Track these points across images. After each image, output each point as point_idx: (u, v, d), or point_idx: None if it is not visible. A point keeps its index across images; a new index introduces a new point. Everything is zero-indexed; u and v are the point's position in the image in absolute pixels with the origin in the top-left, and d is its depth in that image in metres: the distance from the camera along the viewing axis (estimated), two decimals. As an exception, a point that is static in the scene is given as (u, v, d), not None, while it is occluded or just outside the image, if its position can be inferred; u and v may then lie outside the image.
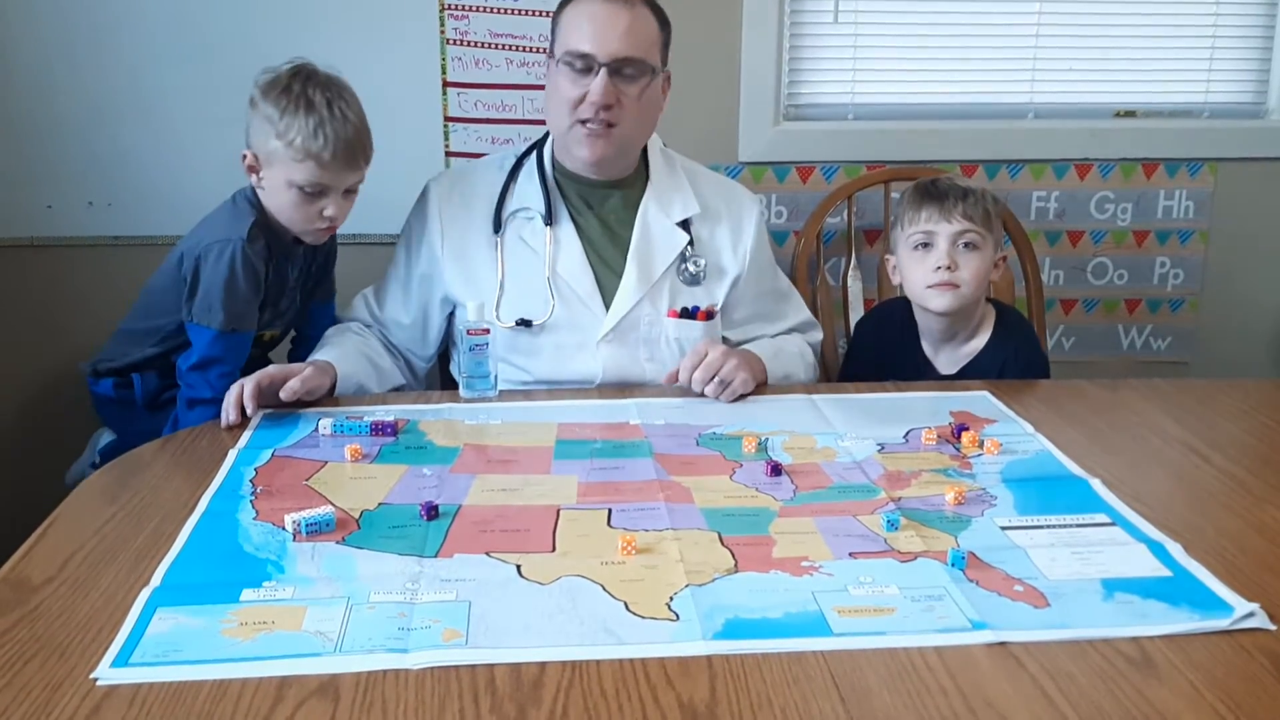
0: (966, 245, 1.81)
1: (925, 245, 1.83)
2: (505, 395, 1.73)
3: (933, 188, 1.85)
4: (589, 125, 1.72)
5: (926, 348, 1.92)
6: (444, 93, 2.27)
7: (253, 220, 1.71)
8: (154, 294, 1.80)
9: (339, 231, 1.82)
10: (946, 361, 1.90)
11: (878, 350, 1.96)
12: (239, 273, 1.69)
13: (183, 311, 1.72)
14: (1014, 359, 1.86)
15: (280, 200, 1.71)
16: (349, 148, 1.69)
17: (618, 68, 1.69)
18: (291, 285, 1.84)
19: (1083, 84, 2.52)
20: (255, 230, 1.71)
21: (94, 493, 1.38)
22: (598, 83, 1.68)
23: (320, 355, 1.75)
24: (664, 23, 1.77)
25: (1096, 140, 2.50)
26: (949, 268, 1.79)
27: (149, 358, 1.80)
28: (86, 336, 1.98)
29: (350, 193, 1.75)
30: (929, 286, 1.82)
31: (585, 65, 1.70)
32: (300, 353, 1.90)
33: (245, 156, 1.71)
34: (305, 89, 1.67)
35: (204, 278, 1.69)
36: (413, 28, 2.24)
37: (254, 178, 1.72)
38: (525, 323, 1.81)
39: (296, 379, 1.59)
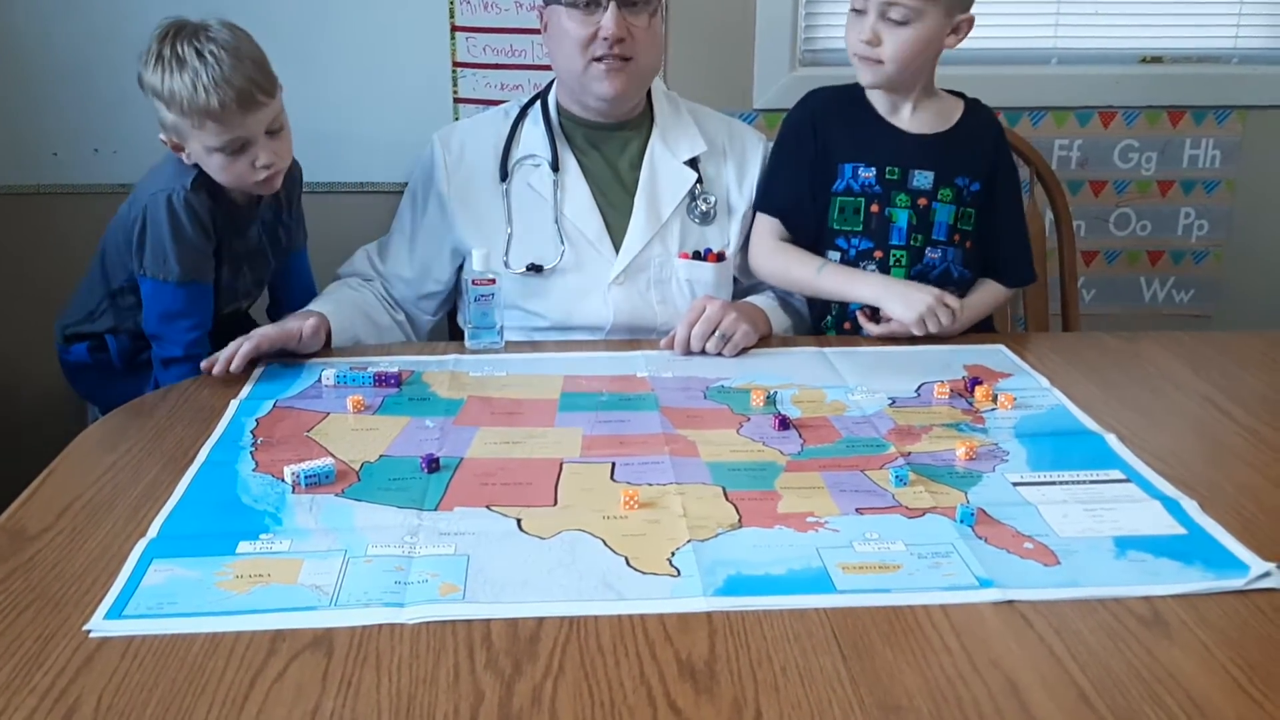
0: (894, 19, 1.64)
1: (859, 10, 1.69)
2: (513, 345, 1.71)
3: None
4: (606, 61, 1.71)
5: (882, 110, 1.79)
6: (452, 37, 2.23)
7: (199, 171, 1.63)
8: (109, 247, 1.73)
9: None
10: (918, 121, 1.78)
11: (824, 126, 1.80)
12: (184, 221, 1.61)
13: (133, 265, 1.65)
14: (1002, 149, 1.82)
15: (211, 167, 1.62)
16: (239, 91, 1.55)
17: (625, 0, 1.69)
18: (255, 247, 1.76)
19: (1108, 28, 2.43)
20: (200, 180, 1.63)
21: (94, 442, 1.37)
22: (609, 16, 1.69)
23: (314, 308, 1.71)
24: None
25: (1121, 87, 2.43)
26: (869, 42, 1.67)
27: (121, 326, 1.73)
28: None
29: (275, 131, 1.63)
30: (854, 55, 1.71)
31: (592, 1, 1.69)
32: (278, 313, 1.84)
33: (164, 141, 1.64)
34: (175, 48, 1.56)
35: (151, 230, 1.62)
36: (420, -30, 2.19)
37: (183, 156, 1.63)
38: (535, 268, 1.80)
39: (298, 342, 1.59)
